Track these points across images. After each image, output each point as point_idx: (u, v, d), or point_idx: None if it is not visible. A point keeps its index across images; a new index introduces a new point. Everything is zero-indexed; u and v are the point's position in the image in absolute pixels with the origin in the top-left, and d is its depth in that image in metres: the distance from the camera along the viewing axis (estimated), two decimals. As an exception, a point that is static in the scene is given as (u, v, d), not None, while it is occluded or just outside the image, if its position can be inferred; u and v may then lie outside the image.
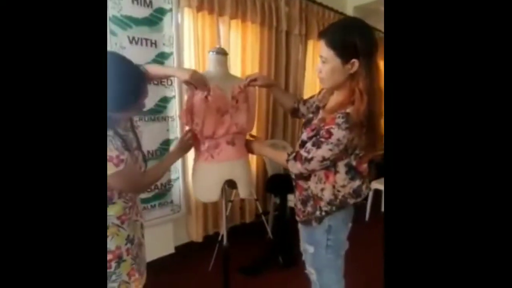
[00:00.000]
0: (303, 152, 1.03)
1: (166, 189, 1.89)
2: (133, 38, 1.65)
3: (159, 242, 1.89)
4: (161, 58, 1.77)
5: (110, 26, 1.56)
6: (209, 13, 1.97)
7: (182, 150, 1.20)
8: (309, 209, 1.13)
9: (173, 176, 1.91)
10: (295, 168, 1.08)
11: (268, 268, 1.98)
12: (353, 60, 0.94)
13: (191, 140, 1.20)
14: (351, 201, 1.09)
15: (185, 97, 1.24)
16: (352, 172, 1.05)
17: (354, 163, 1.04)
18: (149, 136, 1.77)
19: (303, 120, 1.23)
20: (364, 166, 1.08)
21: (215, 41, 2.01)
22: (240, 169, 1.27)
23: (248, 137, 1.33)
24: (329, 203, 1.08)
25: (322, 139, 0.97)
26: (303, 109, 1.29)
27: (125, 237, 0.99)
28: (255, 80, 1.24)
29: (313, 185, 1.10)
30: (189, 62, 1.93)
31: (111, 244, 0.95)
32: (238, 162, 1.26)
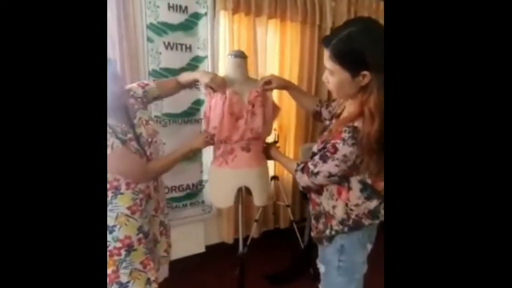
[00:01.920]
0: (310, 165, 0.96)
1: (197, 189, 1.94)
2: (169, 43, 1.72)
3: (190, 240, 1.95)
4: (195, 62, 1.82)
5: (147, 33, 1.65)
6: (246, 15, 1.95)
7: (194, 144, 1.17)
8: (320, 226, 1.04)
9: (205, 177, 1.94)
10: (302, 180, 1.01)
11: (297, 279, 1.89)
12: (364, 72, 0.81)
13: (208, 139, 1.17)
14: (367, 222, 0.96)
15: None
16: (368, 190, 0.93)
17: (369, 180, 0.92)
18: (182, 138, 1.83)
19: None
20: (382, 184, 0.94)
21: (251, 42, 1.98)
22: (255, 177, 1.22)
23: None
24: (341, 222, 0.98)
25: (328, 154, 0.89)
26: (325, 113, 1.19)
27: (136, 227, 1.03)
28: (269, 82, 1.18)
29: (325, 201, 1.01)
30: (224, 65, 1.94)
31: (119, 233, 1.00)
32: (253, 170, 1.22)
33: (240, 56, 1.21)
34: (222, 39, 1.92)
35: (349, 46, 0.81)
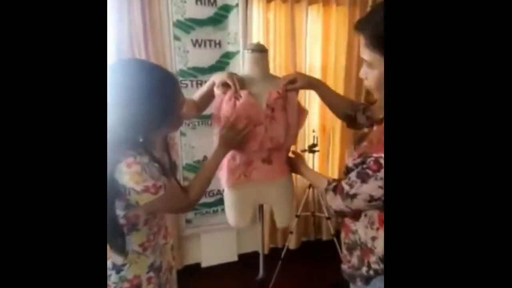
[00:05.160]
0: (345, 185, 0.76)
1: (229, 195, 1.83)
2: (196, 40, 1.61)
3: (222, 248, 1.86)
4: (226, 58, 1.68)
5: (174, 31, 1.56)
6: (283, 2, 1.75)
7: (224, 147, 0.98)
8: (354, 260, 0.83)
9: (237, 182, 1.82)
10: (334, 203, 0.81)
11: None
12: None
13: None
14: None
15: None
16: None
17: None
18: (213, 139, 1.73)
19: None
20: None
21: (290, 32, 1.77)
22: (277, 192, 1.05)
23: (290, 154, 1.08)
24: (383, 259, 0.76)
25: (369, 171, 0.69)
26: (361, 118, 0.95)
27: (147, 265, 0.90)
28: (293, 81, 0.98)
29: (362, 230, 0.80)
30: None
31: (128, 272, 0.88)
32: (276, 184, 1.04)
33: (258, 50, 1.02)
34: (255, 31, 1.74)
35: None
